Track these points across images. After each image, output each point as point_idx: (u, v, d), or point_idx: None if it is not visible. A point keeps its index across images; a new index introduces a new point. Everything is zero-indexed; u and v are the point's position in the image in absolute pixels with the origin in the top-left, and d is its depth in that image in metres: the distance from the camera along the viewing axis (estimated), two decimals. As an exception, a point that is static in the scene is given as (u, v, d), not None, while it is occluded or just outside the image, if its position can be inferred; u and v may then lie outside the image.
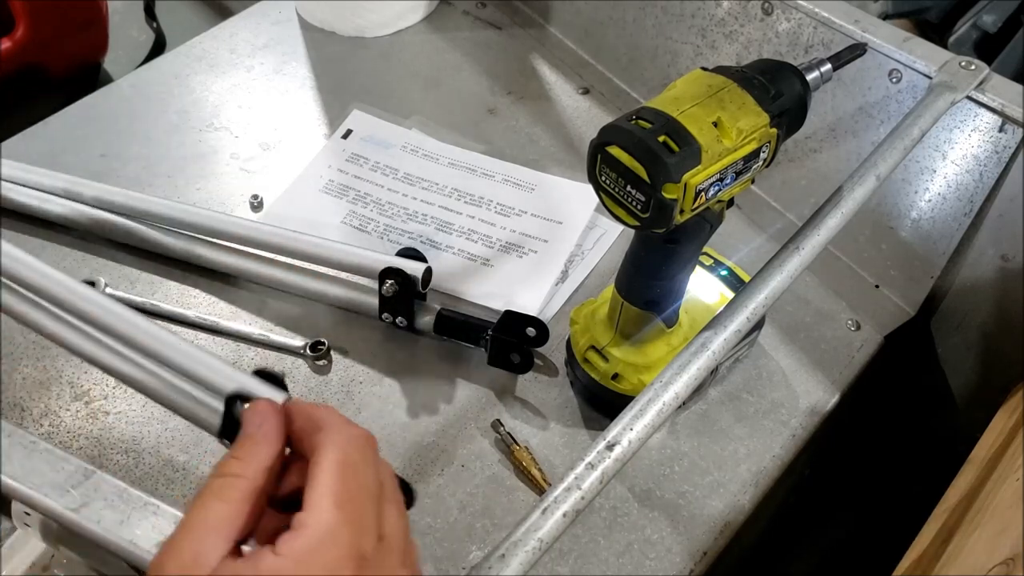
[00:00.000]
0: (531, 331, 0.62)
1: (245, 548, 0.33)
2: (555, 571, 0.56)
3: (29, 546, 0.50)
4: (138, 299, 0.68)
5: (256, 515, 0.33)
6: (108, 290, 0.68)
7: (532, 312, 0.68)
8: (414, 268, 0.63)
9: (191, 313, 0.68)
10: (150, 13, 1.35)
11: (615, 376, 0.60)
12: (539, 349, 0.63)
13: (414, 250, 0.67)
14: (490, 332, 0.63)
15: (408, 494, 0.49)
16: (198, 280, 0.71)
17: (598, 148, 0.46)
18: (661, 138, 0.44)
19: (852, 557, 0.75)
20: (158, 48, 1.31)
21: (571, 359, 0.63)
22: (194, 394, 0.41)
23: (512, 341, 0.62)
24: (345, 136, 0.83)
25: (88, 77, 1.26)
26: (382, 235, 0.75)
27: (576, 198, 0.78)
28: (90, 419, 0.62)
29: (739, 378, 0.67)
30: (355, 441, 0.35)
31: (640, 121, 0.45)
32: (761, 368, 0.68)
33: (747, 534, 0.61)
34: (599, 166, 0.47)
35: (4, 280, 0.46)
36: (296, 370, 0.66)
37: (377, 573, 0.32)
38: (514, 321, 0.62)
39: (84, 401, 0.63)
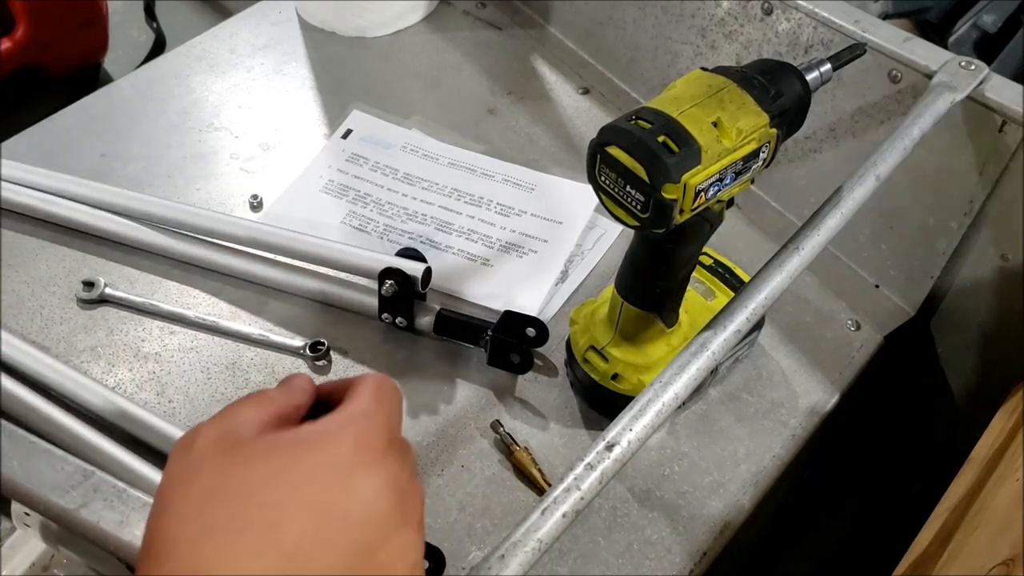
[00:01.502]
0: (531, 331, 0.62)
1: None
2: (555, 571, 0.56)
3: (29, 546, 0.50)
4: (138, 299, 0.68)
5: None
6: (108, 290, 0.68)
7: (532, 312, 0.68)
8: (414, 268, 0.63)
9: (191, 313, 0.68)
10: (150, 13, 1.35)
11: (615, 376, 0.60)
12: (539, 349, 0.63)
13: (414, 250, 0.67)
14: (490, 332, 0.63)
15: (438, 560, 0.53)
16: (198, 280, 0.71)
17: (598, 148, 0.46)
18: (661, 138, 0.44)
19: (852, 557, 0.75)
20: (158, 48, 1.31)
21: (571, 359, 0.63)
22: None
23: (512, 341, 0.62)
24: (345, 136, 0.83)
25: (88, 77, 1.25)
26: (382, 235, 0.75)
27: (576, 198, 0.78)
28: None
29: (739, 378, 0.67)
30: (388, 379, 0.37)
31: (640, 121, 0.45)
32: (761, 368, 0.68)
33: (747, 534, 0.61)
34: (599, 166, 0.47)
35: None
36: (296, 370, 0.65)
37: (401, 461, 0.34)
38: (514, 321, 0.62)
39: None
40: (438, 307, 0.66)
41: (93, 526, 0.38)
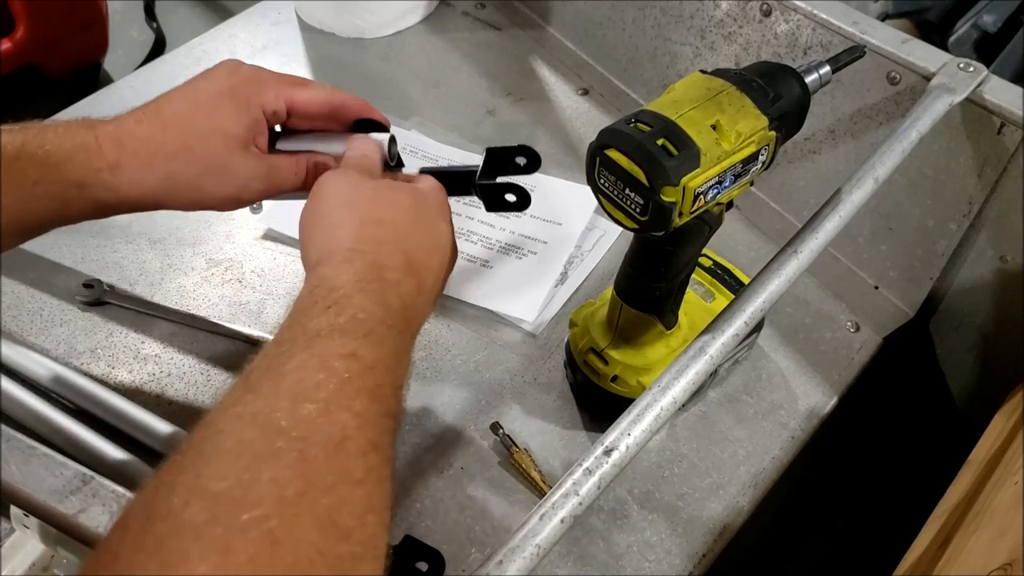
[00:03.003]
0: (521, 160, 0.58)
1: None
2: (554, 572, 0.56)
3: (29, 546, 0.50)
4: (138, 300, 0.68)
5: None
6: (107, 292, 0.68)
7: (531, 313, 0.68)
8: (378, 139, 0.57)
9: (191, 314, 0.68)
10: (150, 13, 1.35)
11: (614, 378, 0.60)
12: (538, 350, 0.63)
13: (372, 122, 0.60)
14: (478, 180, 0.58)
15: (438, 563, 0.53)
16: (198, 280, 0.71)
17: (597, 151, 0.46)
18: (660, 141, 0.44)
19: (851, 559, 0.75)
20: (158, 48, 1.31)
21: (570, 361, 0.63)
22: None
23: (501, 185, 0.58)
24: (344, 137, 0.83)
25: (88, 77, 1.25)
26: (381, 236, 0.75)
27: (575, 199, 0.78)
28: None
29: (738, 380, 0.67)
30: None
31: (639, 124, 0.45)
32: (760, 370, 0.68)
33: (746, 536, 0.61)
34: (598, 169, 0.47)
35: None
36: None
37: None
38: (500, 157, 0.58)
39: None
40: (417, 170, 0.58)
41: (92, 531, 0.38)
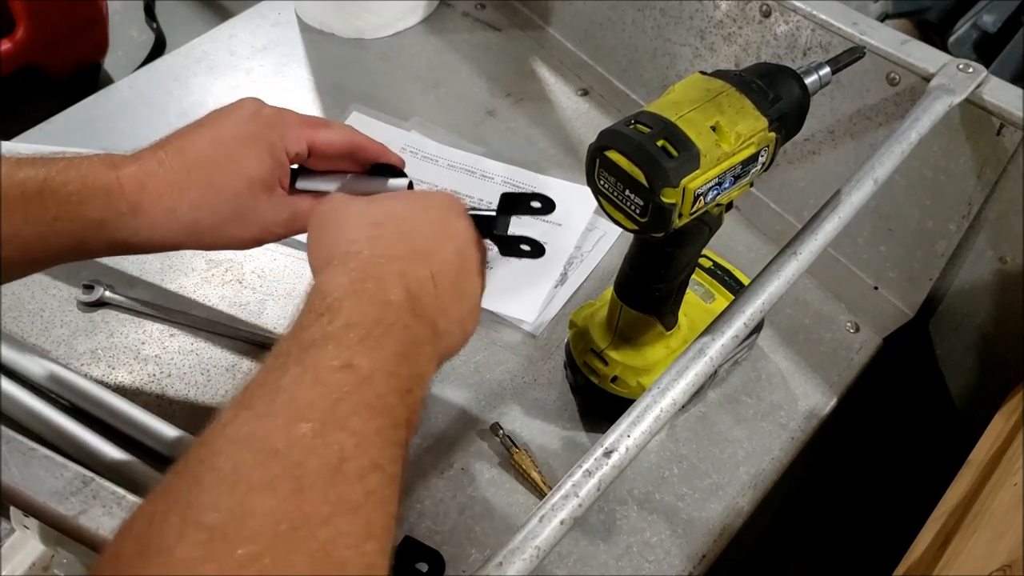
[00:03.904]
0: (536, 204, 0.58)
1: None
2: (553, 573, 0.56)
3: (29, 546, 0.50)
4: (138, 301, 0.68)
5: None
6: (108, 293, 0.68)
7: (531, 314, 0.68)
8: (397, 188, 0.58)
9: (191, 315, 0.68)
10: (150, 13, 1.35)
11: (614, 379, 0.60)
12: (538, 351, 0.63)
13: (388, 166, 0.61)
14: (494, 232, 0.58)
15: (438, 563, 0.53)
16: (198, 281, 0.71)
17: (597, 152, 0.46)
18: (660, 142, 0.44)
19: (851, 560, 0.76)
20: (158, 48, 1.31)
21: (570, 362, 0.63)
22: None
23: (516, 237, 0.58)
24: (344, 138, 0.83)
25: (88, 77, 1.25)
26: (381, 237, 0.75)
27: (575, 200, 0.78)
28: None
29: (738, 380, 0.67)
30: None
31: (639, 125, 0.45)
32: (760, 370, 0.68)
33: (745, 537, 0.61)
34: (598, 170, 0.47)
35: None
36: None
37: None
38: (514, 201, 0.58)
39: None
40: None
41: (92, 533, 0.38)
